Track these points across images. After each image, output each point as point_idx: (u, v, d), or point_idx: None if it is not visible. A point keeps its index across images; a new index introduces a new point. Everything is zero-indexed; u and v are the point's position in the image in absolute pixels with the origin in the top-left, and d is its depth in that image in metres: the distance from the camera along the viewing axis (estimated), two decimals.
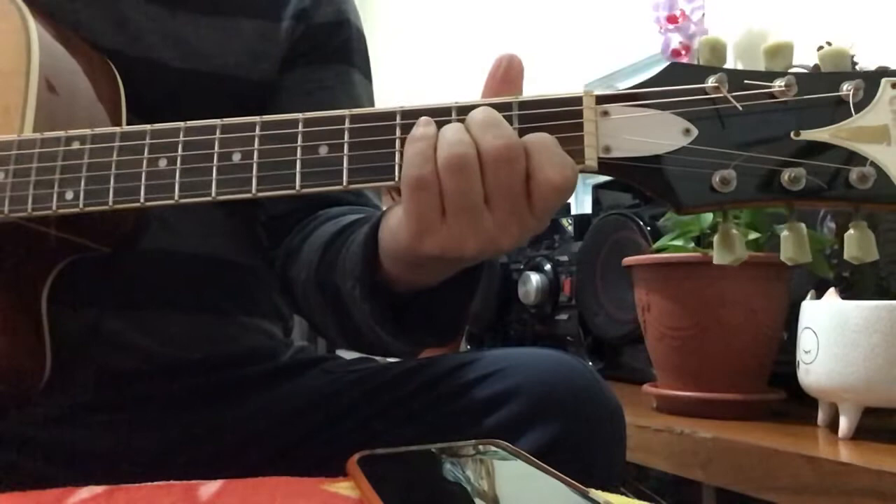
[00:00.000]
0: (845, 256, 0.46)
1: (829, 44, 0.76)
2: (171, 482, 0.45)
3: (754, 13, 1.26)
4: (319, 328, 0.67)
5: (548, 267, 1.35)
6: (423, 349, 0.62)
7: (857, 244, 0.45)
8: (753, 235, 0.86)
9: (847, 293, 0.80)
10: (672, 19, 1.01)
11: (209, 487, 0.43)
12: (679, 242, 0.91)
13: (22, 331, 0.57)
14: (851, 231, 0.45)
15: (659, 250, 0.93)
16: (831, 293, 0.77)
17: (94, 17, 0.65)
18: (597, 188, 1.41)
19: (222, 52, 0.69)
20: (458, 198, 0.44)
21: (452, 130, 0.45)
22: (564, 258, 1.34)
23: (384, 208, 0.57)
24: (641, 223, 1.10)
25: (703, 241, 0.90)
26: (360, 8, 0.80)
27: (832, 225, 0.90)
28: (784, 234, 0.46)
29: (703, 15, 1.09)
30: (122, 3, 0.66)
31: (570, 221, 1.38)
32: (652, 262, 0.92)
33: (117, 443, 0.63)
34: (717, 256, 0.47)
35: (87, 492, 0.43)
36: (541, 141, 0.44)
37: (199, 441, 0.64)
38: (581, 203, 1.73)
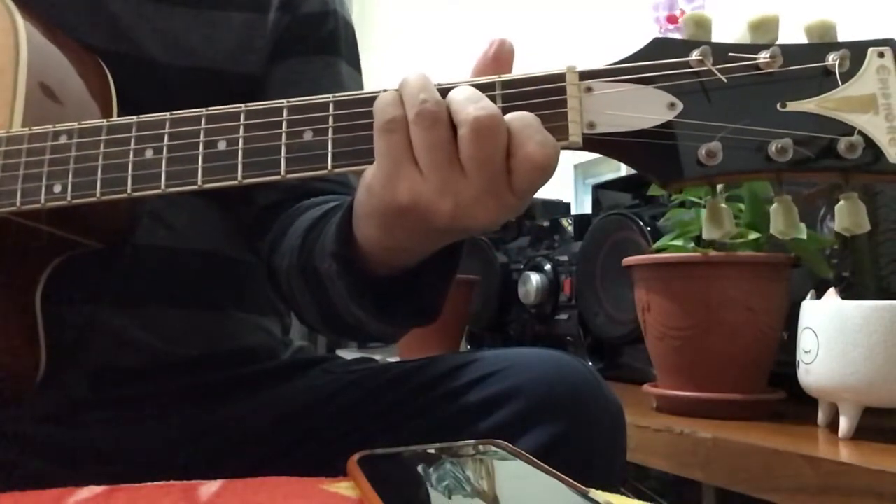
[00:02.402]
0: (836, 228, 0.45)
1: None
2: (171, 482, 0.45)
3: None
4: (301, 314, 0.67)
5: (548, 267, 1.35)
6: (402, 332, 0.61)
7: (848, 215, 0.45)
8: (753, 235, 0.86)
9: (847, 293, 0.80)
10: (672, 19, 1.01)
11: (209, 487, 0.43)
12: (679, 242, 0.91)
13: (15, 328, 0.57)
14: (842, 202, 0.45)
15: (659, 250, 0.93)
16: (831, 293, 0.77)
17: (81, 15, 0.65)
18: (597, 188, 1.41)
19: (211, 46, 0.69)
20: (428, 151, 0.44)
21: (429, 95, 0.45)
22: (564, 258, 1.33)
23: None
24: (641, 223, 1.10)
25: (702, 241, 0.89)
26: (360, 8, 0.80)
27: (832, 225, 0.90)
28: (773, 207, 0.46)
29: None
30: (112, 2, 0.66)
31: (570, 221, 1.38)
32: (652, 262, 0.92)
33: (114, 441, 0.63)
34: (706, 231, 0.47)
35: (87, 492, 0.42)
36: (522, 119, 0.44)
37: (199, 440, 0.64)
38: (581, 203, 1.73)
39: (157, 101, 0.55)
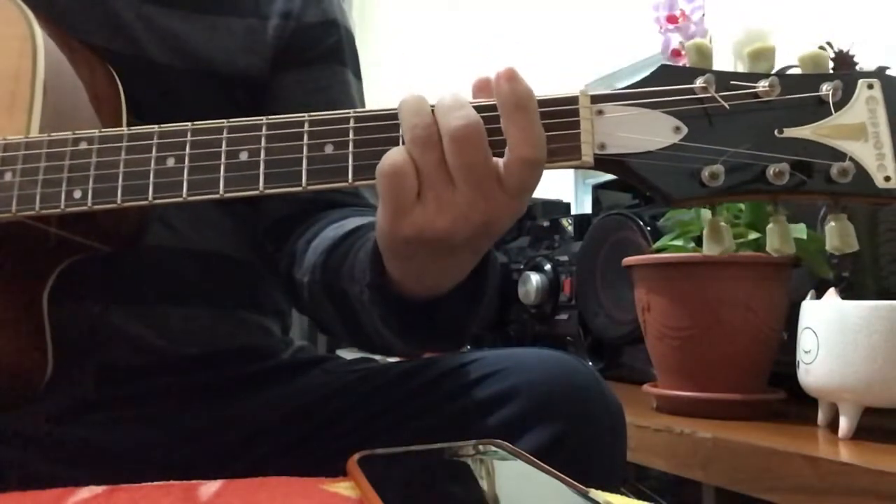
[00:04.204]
0: (826, 247, 0.48)
1: (829, 44, 0.76)
2: (171, 482, 0.45)
3: (754, 13, 1.26)
4: (325, 327, 0.68)
5: (548, 267, 1.35)
6: (426, 350, 0.62)
7: (838, 235, 0.47)
8: (753, 235, 0.86)
9: (847, 293, 0.80)
10: (672, 19, 1.01)
11: (209, 487, 0.43)
12: (679, 242, 0.91)
13: (23, 330, 0.58)
14: (832, 223, 0.47)
15: (659, 250, 0.93)
16: (831, 293, 0.77)
17: (83, 14, 0.65)
18: (597, 188, 1.41)
19: (211, 48, 0.70)
20: (425, 175, 0.46)
21: (418, 113, 0.46)
22: (564, 258, 1.33)
23: None
24: (641, 223, 1.10)
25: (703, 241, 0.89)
26: (360, 8, 0.81)
27: None
28: (769, 226, 0.48)
29: (703, 15, 1.09)
30: (114, 2, 0.67)
31: (570, 221, 1.38)
32: (652, 262, 0.92)
33: (115, 441, 0.63)
34: (707, 248, 0.49)
35: (87, 492, 0.43)
36: None
37: (200, 439, 0.64)
38: (581, 203, 1.73)
39: (157, 101, 0.56)
